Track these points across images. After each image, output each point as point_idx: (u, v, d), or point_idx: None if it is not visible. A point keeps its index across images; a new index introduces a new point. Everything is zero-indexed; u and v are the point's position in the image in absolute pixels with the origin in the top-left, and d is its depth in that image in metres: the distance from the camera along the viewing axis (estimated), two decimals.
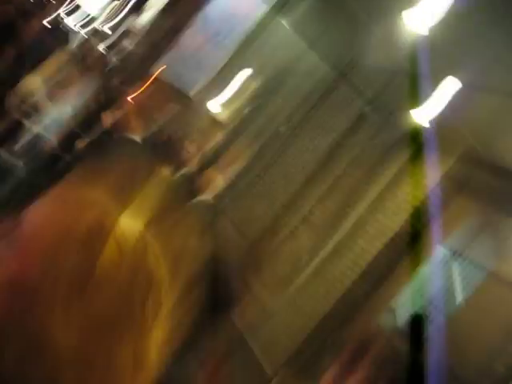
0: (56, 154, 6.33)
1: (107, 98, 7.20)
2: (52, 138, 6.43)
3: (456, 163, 6.32)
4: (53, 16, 9.52)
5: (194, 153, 7.20)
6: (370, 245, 6.80)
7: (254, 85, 13.46)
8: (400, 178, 7.06)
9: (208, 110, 14.93)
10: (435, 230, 5.85)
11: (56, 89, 6.43)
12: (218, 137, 9.00)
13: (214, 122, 13.50)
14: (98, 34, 10.35)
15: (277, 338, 6.94)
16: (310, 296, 7.03)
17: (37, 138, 6.27)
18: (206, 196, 5.91)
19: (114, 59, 9.65)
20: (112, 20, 10.81)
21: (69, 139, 6.44)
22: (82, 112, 6.74)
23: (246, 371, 6.46)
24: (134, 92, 7.15)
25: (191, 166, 6.96)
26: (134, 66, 9.57)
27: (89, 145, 6.18)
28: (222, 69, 16.52)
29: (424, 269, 5.97)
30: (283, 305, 7.33)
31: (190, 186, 6.08)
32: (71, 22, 10.63)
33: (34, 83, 6.29)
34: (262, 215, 9.11)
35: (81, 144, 6.34)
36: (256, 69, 14.01)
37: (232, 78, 15.32)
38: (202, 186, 5.88)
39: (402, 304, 6.05)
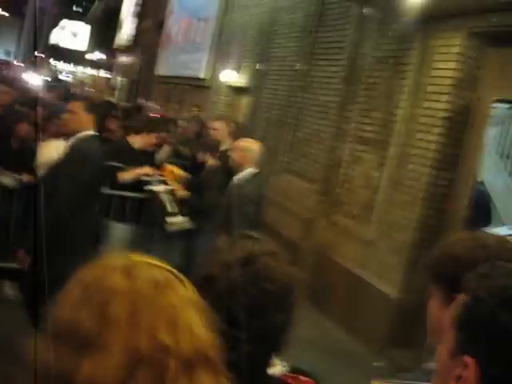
0: None
1: None
2: None
3: None
4: None
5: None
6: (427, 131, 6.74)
7: (252, 40, 13.58)
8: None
9: (223, 83, 15.10)
10: None
11: None
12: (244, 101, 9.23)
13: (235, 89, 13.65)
14: None
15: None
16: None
17: None
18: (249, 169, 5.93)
19: None
20: None
21: None
22: None
23: None
24: None
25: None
26: None
27: None
28: (216, 38, 16.72)
29: None
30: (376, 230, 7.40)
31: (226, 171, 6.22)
32: None
33: None
34: (317, 154, 9.17)
35: None
36: (247, 23, 14.19)
37: (230, 41, 15.45)
38: (236, 163, 5.90)
39: None
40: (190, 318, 1.05)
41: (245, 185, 5.75)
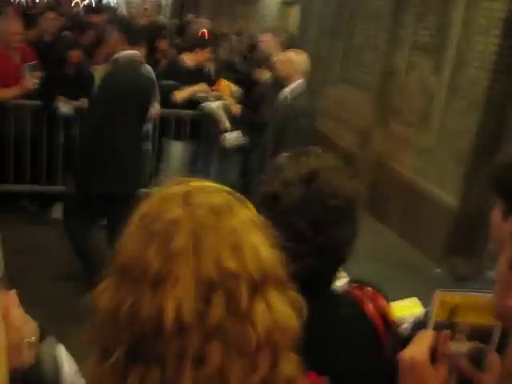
0: None
1: None
2: None
3: None
4: None
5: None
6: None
7: None
8: None
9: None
10: None
11: None
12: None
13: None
14: None
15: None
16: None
17: None
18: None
19: None
20: None
21: None
22: None
23: None
24: None
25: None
26: None
27: None
28: None
29: None
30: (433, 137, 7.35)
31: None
32: None
33: None
34: (372, 62, 9.09)
35: None
36: None
37: None
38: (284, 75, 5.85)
39: None
40: (254, 240, 1.07)
41: (297, 97, 5.64)
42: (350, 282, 1.85)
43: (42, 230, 5.91)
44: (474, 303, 1.45)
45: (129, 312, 1.01)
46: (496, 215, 1.74)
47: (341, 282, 1.84)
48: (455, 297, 1.46)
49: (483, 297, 1.43)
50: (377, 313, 1.72)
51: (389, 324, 1.74)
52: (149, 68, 5.78)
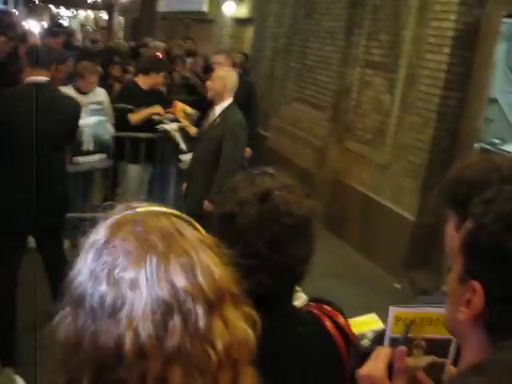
0: None
1: None
2: None
3: None
4: None
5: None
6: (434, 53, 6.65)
7: None
8: None
9: (226, 15, 14.91)
10: None
11: None
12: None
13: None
14: None
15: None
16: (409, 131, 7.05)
17: None
18: None
19: None
20: None
21: None
22: None
23: None
24: None
25: None
26: None
27: None
28: None
29: None
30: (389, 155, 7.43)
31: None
32: None
33: None
34: (326, 80, 9.16)
35: None
36: None
37: None
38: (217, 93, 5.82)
39: None
40: (206, 259, 1.07)
41: (231, 113, 5.70)
42: (309, 300, 1.86)
43: None
44: (429, 318, 1.47)
45: (89, 341, 1.00)
46: (449, 229, 1.77)
47: (299, 300, 1.84)
48: (410, 312, 1.48)
49: (437, 311, 1.45)
50: (336, 330, 1.73)
51: (349, 340, 1.75)
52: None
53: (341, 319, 1.77)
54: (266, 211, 1.59)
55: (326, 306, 1.79)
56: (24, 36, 8.26)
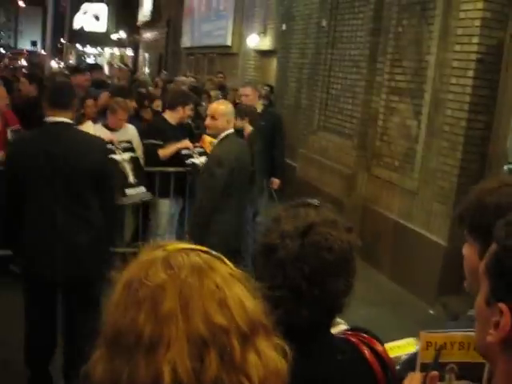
0: None
1: None
2: None
3: None
4: None
5: None
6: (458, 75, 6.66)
7: (275, 2, 13.49)
8: None
9: (250, 47, 15.05)
10: None
11: None
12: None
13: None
14: None
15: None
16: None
17: None
18: None
19: None
20: None
21: None
22: None
23: None
24: None
25: None
26: None
27: None
28: (239, 4, 16.68)
29: None
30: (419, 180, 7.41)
31: None
32: None
33: None
34: (352, 109, 9.19)
35: None
36: None
37: (253, 5, 15.36)
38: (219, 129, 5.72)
39: None
40: (238, 293, 1.09)
41: (216, 146, 5.56)
42: (346, 329, 1.87)
43: None
44: (460, 342, 1.47)
45: (127, 380, 1.02)
46: (469, 253, 1.76)
47: (337, 329, 1.85)
48: (440, 337, 1.48)
49: (468, 334, 1.45)
50: (373, 357, 1.74)
51: (386, 367, 1.76)
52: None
53: (378, 346, 1.78)
54: (306, 246, 1.60)
55: (363, 334, 1.79)
56: (52, 76, 8.39)
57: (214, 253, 1.16)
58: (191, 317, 1.03)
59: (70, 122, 4.29)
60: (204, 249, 1.16)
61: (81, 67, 12.49)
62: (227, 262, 1.16)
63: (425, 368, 1.45)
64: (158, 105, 8.82)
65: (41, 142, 4.20)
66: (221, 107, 5.53)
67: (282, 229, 1.64)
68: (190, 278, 1.07)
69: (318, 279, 1.60)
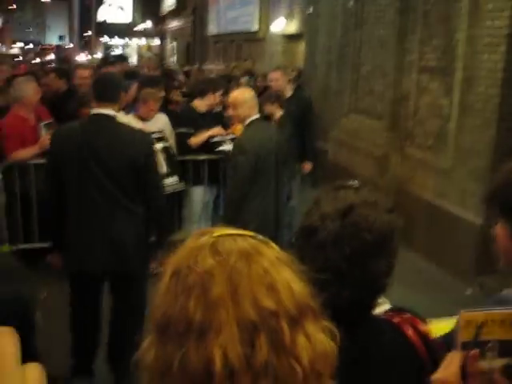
0: None
1: None
2: None
3: None
4: None
5: None
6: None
7: None
8: None
9: (277, 32, 15.01)
10: None
11: None
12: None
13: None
14: None
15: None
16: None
17: None
18: None
19: None
20: None
21: None
22: None
23: None
24: None
25: None
26: None
27: None
28: None
29: None
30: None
31: None
32: None
33: None
34: (383, 89, 9.14)
35: None
36: None
37: None
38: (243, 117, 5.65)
39: None
40: (285, 277, 1.11)
41: (244, 133, 5.44)
42: (390, 308, 1.87)
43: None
44: (500, 319, 1.46)
45: (178, 367, 1.04)
46: (502, 235, 1.73)
47: (381, 308, 1.86)
48: (480, 315, 1.46)
49: (509, 312, 1.44)
50: (417, 337, 1.74)
51: (430, 346, 1.75)
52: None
53: (422, 326, 1.77)
54: (346, 227, 1.61)
55: (407, 314, 1.79)
56: (77, 68, 8.43)
57: (260, 237, 1.17)
58: (240, 302, 1.05)
59: (114, 114, 4.26)
60: (251, 233, 1.17)
61: (110, 59, 12.54)
62: (274, 245, 1.17)
63: (465, 346, 1.44)
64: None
65: (84, 133, 4.18)
66: (239, 96, 5.45)
67: (323, 211, 1.65)
68: (238, 263, 1.08)
69: (359, 260, 1.60)
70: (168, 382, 1.06)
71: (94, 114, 4.26)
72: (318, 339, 1.10)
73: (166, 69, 13.95)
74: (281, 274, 1.10)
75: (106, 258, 4.17)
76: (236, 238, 1.14)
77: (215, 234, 1.15)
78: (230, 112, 5.51)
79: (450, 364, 1.41)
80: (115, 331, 4.45)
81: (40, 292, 1.93)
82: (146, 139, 4.50)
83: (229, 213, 5.29)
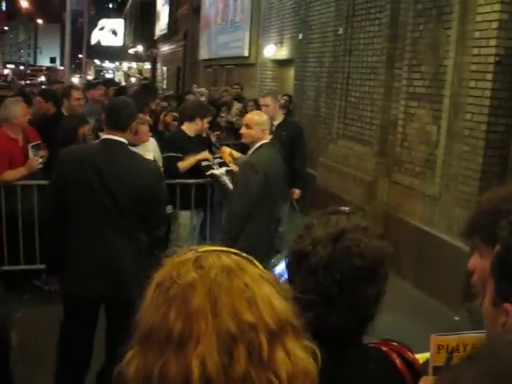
0: None
1: None
2: None
3: None
4: None
5: None
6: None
7: (291, 11, 13.50)
8: None
9: (268, 58, 15.08)
10: None
11: None
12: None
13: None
14: None
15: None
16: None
17: None
18: None
19: None
20: None
21: None
22: None
23: None
24: None
25: None
26: None
27: None
28: (255, 14, 16.71)
29: None
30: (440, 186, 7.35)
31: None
32: None
33: None
34: (371, 116, 9.18)
35: None
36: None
37: (269, 15, 15.39)
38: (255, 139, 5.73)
39: None
40: (267, 292, 1.11)
41: (252, 153, 5.52)
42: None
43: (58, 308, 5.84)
44: (472, 343, 1.45)
45: (158, 376, 1.05)
46: (484, 265, 1.72)
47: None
48: (452, 339, 1.46)
49: (480, 336, 1.43)
50: (404, 366, 1.73)
51: (418, 376, 1.74)
52: None
53: (409, 355, 1.77)
54: (338, 252, 1.60)
55: (393, 343, 1.79)
56: (68, 91, 8.41)
57: (244, 255, 1.19)
58: (220, 314, 1.06)
59: (125, 141, 4.24)
60: (235, 251, 1.18)
61: (94, 82, 12.58)
62: (258, 264, 1.18)
63: (437, 371, 1.43)
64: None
65: (92, 157, 4.15)
66: (255, 117, 5.57)
67: (314, 235, 1.65)
68: (219, 277, 1.09)
69: (350, 285, 1.60)
70: None
71: (105, 140, 4.25)
72: (298, 356, 1.10)
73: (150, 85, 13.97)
74: (262, 290, 1.11)
75: (104, 283, 4.12)
76: (220, 254, 1.15)
77: (200, 250, 1.17)
78: (243, 130, 5.57)
79: None
80: (109, 358, 4.31)
81: (15, 311, 1.91)
82: (154, 170, 4.47)
83: (231, 233, 5.22)
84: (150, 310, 1.11)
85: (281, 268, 1.98)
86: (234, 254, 1.17)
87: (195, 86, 14.83)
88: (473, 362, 0.77)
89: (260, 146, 5.43)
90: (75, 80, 19.50)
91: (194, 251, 1.16)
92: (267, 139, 5.53)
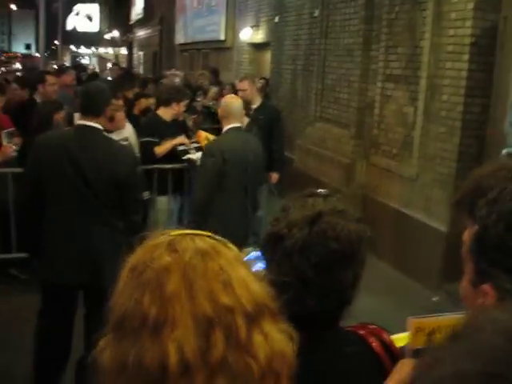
0: None
1: None
2: None
3: None
4: None
5: None
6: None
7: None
8: None
9: (244, 41, 15.03)
10: None
11: None
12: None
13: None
14: None
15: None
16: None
17: None
18: None
19: None
20: None
21: None
22: None
23: None
24: None
25: None
26: None
27: None
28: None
29: None
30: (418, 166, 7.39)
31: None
32: None
33: None
34: (348, 98, 9.17)
35: None
36: None
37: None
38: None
39: None
40: (243, 275, 1.10)
41: (220, 137, 5.63)
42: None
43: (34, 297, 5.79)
44: (450, 325, 1.44)
45: (133, 363, 1.02)
46: (467, 236, 1.73)
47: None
48: (430, 322, 1.45)
49: (459, 317, 1.42)
50: (381, 348, 1.72)
51: (395, 358, 1.74)
52: None
53: (386, 337, 1.76)
54: (313, 235, 1.58)
55: (371, 325, 1.78)
56: (42, 76, 8.30)
57: (218, 238, 1.17)
58: (196, 297, 1.04)
59: (100, 127, 4.21)
60: (209, 234, 1.17)
61: (64, 67, 12.44)
62: (232, 246, 1.17)
63: (417, 354, 1.42)
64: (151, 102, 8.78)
65: (67, 143, 4.12)
66: (226, 98, 5.72)
67: (290, 218, 1.62)
68: (194, 260, 1.08)
69: (325, 269, 1.58)
70: (125, 380, 1.04)
71: (80, 126, 4.22)
72: (275, 338, 1.09)
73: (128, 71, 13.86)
74: (238, 273, 1.10)
75: (81, 270, 4.10)
76: (194, 238, 1.13)
77: (173, 234, 1.15)
78: (220, 113, 5.60)
79: (401, 372, 1.39)
80: (87, 346, 4.21)
81: None
82: (130, 155, 4.46)
83: (195, 216, 5.31)
84: (124, 296, 1.08)
85: (257, 252, 1.97)
86: (208, 237, 1.15)
87: (173, 70, 14.69)
88: (457, 340, 0.75)
89: (227, 131, 5.44)
90: (55, 67, 19.34)
91: (167, 235, 1.14)
92: (237, 124, 5.49)
